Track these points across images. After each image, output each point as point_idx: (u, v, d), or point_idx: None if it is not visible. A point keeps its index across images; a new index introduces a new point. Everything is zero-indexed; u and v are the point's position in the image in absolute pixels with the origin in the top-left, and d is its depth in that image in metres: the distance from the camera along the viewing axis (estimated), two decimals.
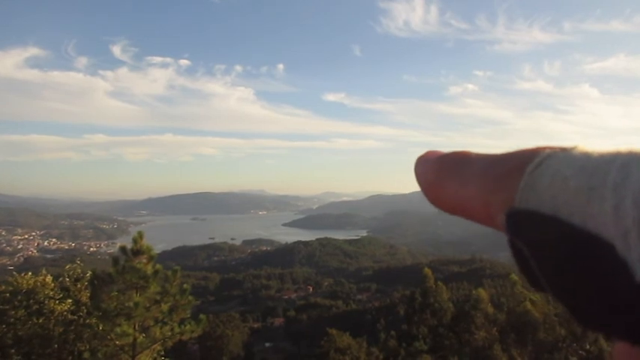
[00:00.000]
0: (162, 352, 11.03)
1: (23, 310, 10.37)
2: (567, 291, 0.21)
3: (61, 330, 10.46)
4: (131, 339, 9.90)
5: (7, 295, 10.51)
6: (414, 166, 0.29)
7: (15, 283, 10.64)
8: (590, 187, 0.20)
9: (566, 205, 0.21)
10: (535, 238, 0.22)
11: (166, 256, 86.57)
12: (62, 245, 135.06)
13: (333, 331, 21.08)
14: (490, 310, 20.15)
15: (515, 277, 22.37)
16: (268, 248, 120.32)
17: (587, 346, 18.21)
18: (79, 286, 10.92)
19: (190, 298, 10.93)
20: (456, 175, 0.25)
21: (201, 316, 11.37)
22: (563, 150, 0.22)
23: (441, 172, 0.26)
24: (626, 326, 0.21)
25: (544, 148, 0.22)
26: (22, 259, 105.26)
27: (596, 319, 0.21)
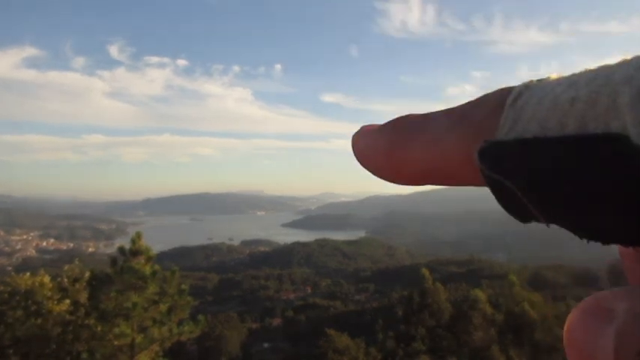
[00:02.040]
0: (161, 353, 11.02)
1: (21, 311, 10.36)
2: (572, 207, 0.19)
3: (59, 330, 10.46)
4: (129, 339, 9.92)
5: (6, 295, 10.50)
6: (352, 142, 0.24)
7: (13, 284, 10.64)
8: (593, 91, 0.18)
9: (559, 120, 0.19)
10: (521, 167, 0.19)
11: (165, 257, 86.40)
12: (60, 246, 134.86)
13: (332, 332, 21.10)
14: (488, 310, 20.20)
15: (513, 277, 22.41)
16: (267, 249, 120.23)
17: None
18: (77, 286, 10.91)
19: (189, 298, 10.97)
20: (418, 136, 0.22)
21: (200, 316, 11.41)
22: (539, 80, 0.21)
23: (395, 137, 0.22)
24: None
25: (515, 86, 0.21)
26: (20, 259, 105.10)
27: (608, 226, 0.18)
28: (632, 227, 0.18)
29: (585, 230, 0.19)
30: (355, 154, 0.24)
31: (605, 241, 0.19)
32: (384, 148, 0.23)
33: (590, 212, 0.18)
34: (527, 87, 0.20)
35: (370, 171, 0.23)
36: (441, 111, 0.22)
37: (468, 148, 0.20)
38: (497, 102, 0.21)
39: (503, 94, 0.21)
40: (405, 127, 0.23)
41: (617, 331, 0.18)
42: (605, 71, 0.19)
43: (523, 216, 0.20)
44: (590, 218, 0.19)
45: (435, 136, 0.21)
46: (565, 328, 0.20)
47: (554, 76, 0.20)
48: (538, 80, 0.21)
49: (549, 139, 0.19)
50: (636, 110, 0.18)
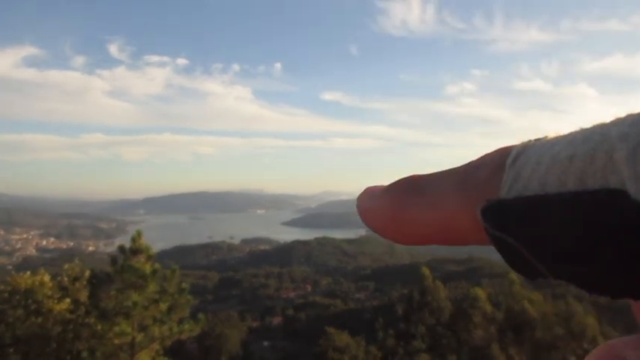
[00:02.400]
0: (161, 351, 11.03)
1: (22, 310, 10.36)
2: (576, 263, 0.19)
3: (59, 329, 10.47)
4: (130, 338, 9.92)
5: (6, 294, 10.51)
6: (357, 204, 0.25)
7: (13, 283, 10.64)
8: (591, 148, 0.19)
9: (558, 178, 0.19)
10: (523, 224, 0.20)
11: (165, 255, 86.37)
12: (61, 244, 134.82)
13: (332, 330, 21.13)
14: (488, 308, 20.22)
15: (513, 276, 22.44)
16: (267, 247, 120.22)
17: (585, 345, 18.27)
18: (77, 285, 10.91)
19: (189, 297, 10.97)
20: (422, 198, 0.22)
21: (200, 315, 11.42)
22: (537, 139, 0.21)
23: (399, 201, 0.23)
24: None
25: (513, 146, 0.21)
26: (20, 258, 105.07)
27: (612, 281, 0.19)
28: (637, 281, 0.19)
29: (591, 286, 0.19)
30: (360, 215, 0.24)
31: (613, 296, 0.19)
32: (388, 210, 0.23)
33: (593, 267, 0.19)
34: (526, 147, 0.21)
35: (375, 231, 0.24)
36: (443, 172, 0.23)
37: (471, 209, 0.20)
38: (497, 163, 0.21)
39: (503, 154, 0.21)
40: (408, 189, 0.23)
41: None
42: (602, 129, 0.19)
43: (530, 273, 0.20)
44: (594, 273, 0.19)
45: (438, 199, 0.22)
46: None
47: (551, 135, 0.20)
48: (536, 140, 0.21)
49: (550, 196, 0.19)
50: (633, 166, 0.19)
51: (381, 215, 0.23)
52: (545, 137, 0.21)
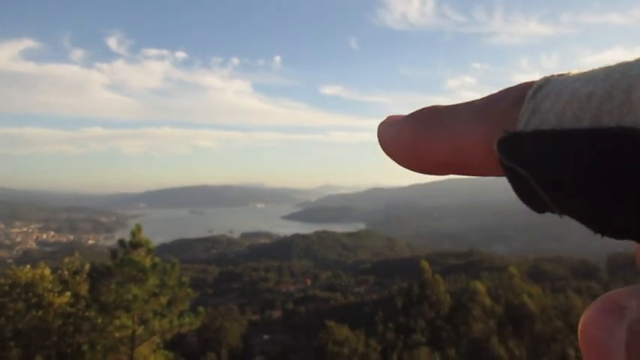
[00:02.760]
0: (162, 345, 11.08)
1: (22, 303, 10.38)
2: (583, 198, 0.20)
3: (60, 323, 10.49)
4: (130, 331, 9.96)
5: (6, 288, 10.52)
6: (378, 132, 0.25)
7: (14, 276, 10.65)
8: (609, 86, 0.19)
9: (575, 114, 0.20)
10: (537, 157, 0.20)
11: (165, 249, 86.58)
12: (61, 238, 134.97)
13: (332, 324, 21.19)
14: (487, 302, 20.28)
15: (513, 269, 22.49)
16: (267, 241, 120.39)
17: None
18: (77, 279, 10.93)
19: (189, 290, 10.99)
20: (442, 126, 0.23)
21: (200, 308, 11.44)
22: (560, 74, 0.21)
23: (420, 128, 0.23)
24: None
25: (535, 80, 0.21)
26: (20, 252, 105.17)
27: (619, 221, 0.19)
28: None
29: (597, 224, 0.19)
30: (380, 143, 0.25)
31: (617, 237, 0.19)
32: (409, 138, 0.23)
33: (602, 206, 0.19)
34: (548, 81, 0.21)
35: (394, 160, 0.24)
36: (465, 103, 0.23)
37: (488, 139, 0.21)
38: (518, 95, 0.21)
39: (525, 87, 0.21)
40: (429, 117, 0.23)
41: (630, 327, 0.19)
42: (623, 67, 0.19)
43: (538, 207, 0.21)
44: (602, 212, 0.19)
45: (458, 127, 0.22)
46: (580, 323, 0.21)
47: (574, 71, 0.21)
48: (559, 75, 0.21)
49: (565, 131, 0.20)
50: None
51: (401, 143, 0.24)
52: (569, 73, 0.21)
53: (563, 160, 0.20)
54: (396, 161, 0.24)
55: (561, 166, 0.20)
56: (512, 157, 0.20)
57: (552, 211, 0.20)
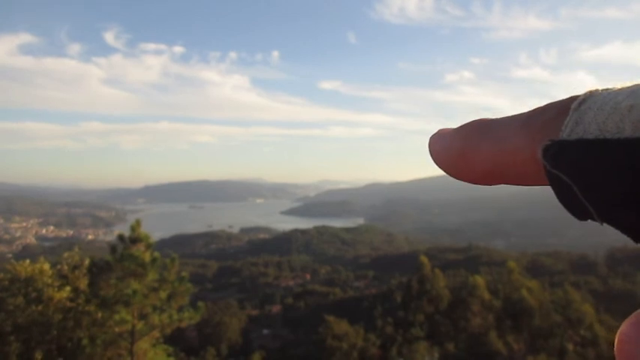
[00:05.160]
0: (161, 339, 11.10)
1: (22, 298, 10.40)
2: (625, 209, 0.20)
3: (59, 317, 10.51)
4: (130, 326, 9.98)
5: (6, 282, 10.53)
6: (429, 144, 0.26)
7: (13, 271, 10.66)
8: None
9: (616, 125, 0.21)
10: (579, 165, 0.21)
11: (164, 244, 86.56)
12: (60, 233, 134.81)
13: (331, 318, 21.22)
14: (486, 296, 20.31)
15: (512, 264, 22.52)
16: (266, 236, 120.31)
17: (582, 332, 18.39)
18: (77, 273, 10.94)
19: (188, 285, 11.00)
20: (490, 136, 0.25)
21: (200, 303, 11.47)
22: (604, 89, 0.23)
23: (468, 138, 0.25)
24: None
25: (579, 95, 0.23)
26: (20, 246, 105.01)
27: None
28: None
29: (637, 234, 0.20)
30: (431, 155, 0.26)
31: None
32: (458, 148, 0.25)
33: None
34: (592, 94, 0.23)
35: (445, 170, 0.25)
36: (510, 115, 0.24)
37: (532, 147, 0.23)
38: (562, 107, 0.23)
39: (568, 101, 0.23)
40: (477, 128, 0.25)
41: None
42: None
43: (580, 214, 0.22)
44: None
45: (504, 136, 0.24)
46: (616, 338, 0.21)
47: (618, 85, 0.23)
48: (603, 89, 0.23)
49: (607, 140, 0.21)
50: None
51: (450, 152, 0.25)
52: (613, 88, 0.22)
53: (605, 169, 0.21)
54: (447, 171, 0.25)
55: (603, 175, 0.21)
56: (556, 165, 0.22)
57: (594, 219, 0.22)
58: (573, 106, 0.23)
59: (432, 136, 0.26)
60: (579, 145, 0.22)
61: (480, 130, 0.25)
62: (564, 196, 0.22)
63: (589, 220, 0.22)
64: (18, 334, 10.26)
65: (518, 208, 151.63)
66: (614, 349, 0.21)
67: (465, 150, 0.25)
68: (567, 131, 0.22)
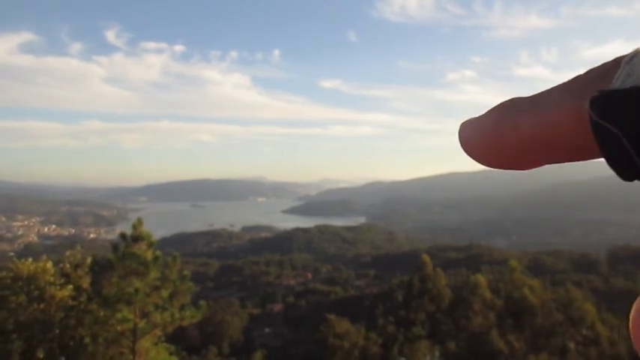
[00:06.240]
0: (163, 338, 11.12)
1: (24, 296, 10.43)
2: None
3: (61, 316, 10.54)
4: (132, 324, 9.99)
5: (8, 281, 10.57)
6: (460, 131, 0.24)
7: (15, 270, 10.69)
8: None
9: None
10: (632, 114, 0.20)
11: (166, 243, 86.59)
12: (62, 231, 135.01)
13: (332, 317, 21.23)
14: (488, 295, 20.31)
15: (513, 263, 22.50)
16: (267, 235, 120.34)
17: (584, 331, 18.38)
18: (79, 272, 10.98)
19: (190, 284, 11.01)
20: (529, 108, 0.22)
21: (201, 302, 11.49)
22: None
23: (504, 115, 0.23)
24: None
25: (624, 55, 0.22)
26: (22, 245, 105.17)
27: None
28: None
29: None
30: (461, 142, 0.24)
31: None
32: (492, 129, 0.23)
33: None
34: None
35: (478, 158, 0.23)
36: (547, 89, 0.23)
37: (577, 108, 0.21)
38: (606, 68, 0.22)
39: (616, 60, 0.22)
40: (512, 105, 0.23)
41: None
42: None
43: (627, 172, 0.20)
44: None
45: (545, 103, 0.22)
46: (632, 311, 0.21)
47: None
48: None
49: None
50: None
51: (484, 135, 0.23)
52: None
53: None
54: (480, 159, 0.23)
55: None
56: (605, 115, 0.20)
57: None
58: (625, 59, 0.21)
59: (462, 123, 0.24)
60: (632, 93, 0.20)
61: (516, 105, 0.23)
62: (612, 153, 0.20)
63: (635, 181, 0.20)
64: (20, 333, 10.29)
65: (519, 207, 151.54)
66: (630, 320, 0.21)
67: (501, 129, 0.23)
68: (618, 83, 0.21)
